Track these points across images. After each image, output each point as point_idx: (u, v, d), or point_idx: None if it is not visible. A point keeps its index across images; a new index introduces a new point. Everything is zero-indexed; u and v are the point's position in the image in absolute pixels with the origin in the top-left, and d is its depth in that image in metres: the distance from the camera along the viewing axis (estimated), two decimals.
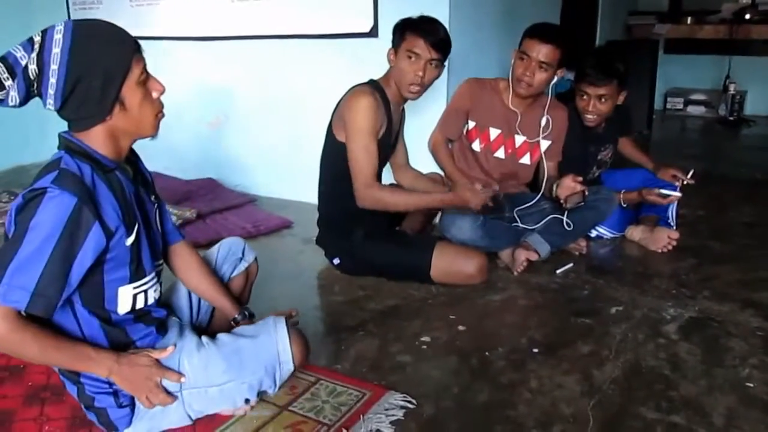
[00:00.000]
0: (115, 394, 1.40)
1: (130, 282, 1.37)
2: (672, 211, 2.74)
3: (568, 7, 4.18)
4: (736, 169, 4.17)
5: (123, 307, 1.37)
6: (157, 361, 1.39)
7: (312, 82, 3.20)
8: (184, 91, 3.35)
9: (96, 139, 1.29)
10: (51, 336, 1.25)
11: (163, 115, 1.36)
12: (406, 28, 2.20)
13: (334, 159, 2.28)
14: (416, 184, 2.53)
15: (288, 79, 3.29)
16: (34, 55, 1.21)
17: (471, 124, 2.61)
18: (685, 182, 2.63)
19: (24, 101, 1.24)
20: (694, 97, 6.12)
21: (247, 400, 1.48)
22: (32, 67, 1.21)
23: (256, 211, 3.20)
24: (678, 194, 2.59)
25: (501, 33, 3.25)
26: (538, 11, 3.57)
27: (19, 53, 1.22)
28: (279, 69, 3.31)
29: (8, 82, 1.21)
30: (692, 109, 6.12)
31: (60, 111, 1.26)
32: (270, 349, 1.47)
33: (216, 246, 1.78)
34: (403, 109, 2.41)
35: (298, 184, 3.21)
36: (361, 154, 2.18)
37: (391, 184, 2.55)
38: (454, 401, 1.61)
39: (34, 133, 4.31)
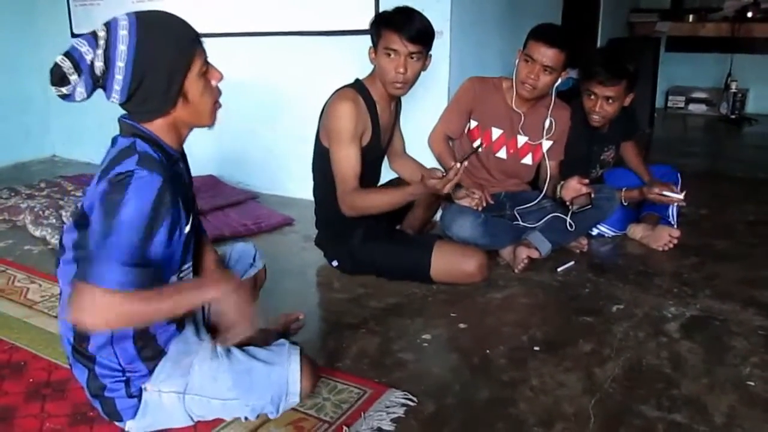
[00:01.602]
0: (127, 382, 1.39)
1: (178, 269, 1.39)
2: (673, 210, 2.74)
3: (570, 4, 4.17)
4: (738, 168, 4.17)
5: None
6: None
7: (313, 79, 3.19)
8: None
9: (160, 129, 1.32)
10: (147, 292, 1.24)
11: (220, 105, 1.38)
12: (380, 25, 2.15)
13: (322, 165, 2.26)
14: (416, 175, 2.51)
15: (289, 75, 3.28)
16: (100, 52, 1.23)
17: (473, 124, 2.60)
18: (675, 201, 2.60)
19: (90, 95, 1.27)
20: (696, 95, 6.11)
21: (245, 418, 1.48)
22: (98, 64, 1.24)
23: (257, 208, 3.19)
24: (679, 196, 2.58)
25: (503, 30, 3.24)
26: (540, 8, 3.57)
27: (84, 48, 1.23)
28: (280, 66, 3.31)
29: (73, 77, 1.24)
30: (694, 108, 6.10)
31: (124, 104, 1.30)
32: (280, 379, 1.44)
33: (228, 249, 1.81)
34: (399, 102, 2.39)
35: (299, 181, 3.20)
36: (341, 162, 2.16)
37: (389, 181, 2.54)
38: (455, 399, 1.61)
39: (36, 130, 4.32)
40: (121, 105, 1.30)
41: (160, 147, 1.31)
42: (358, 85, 2.24)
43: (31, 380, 1.66)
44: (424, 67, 2.19)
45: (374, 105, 2.23)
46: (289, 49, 3.25)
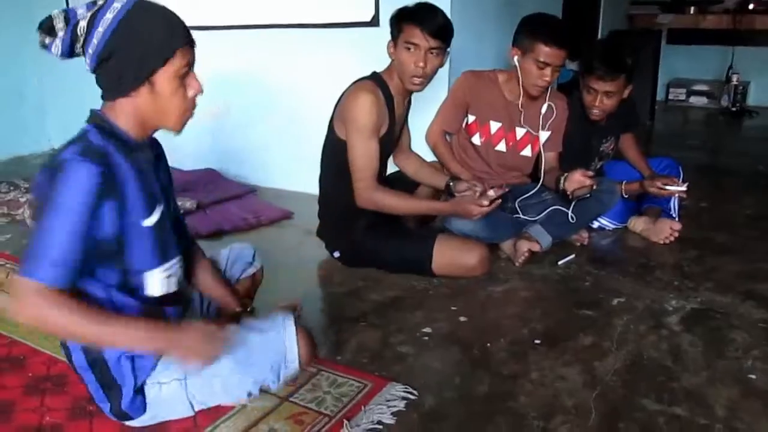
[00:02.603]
0: (135, 377, 1.39)
1: (159, 265, 1.38)
2: (674, 203, 2.73)
3: None
4: (739, 161, 4.16)
5: (153, 289, 1.38)
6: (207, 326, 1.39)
7: (313, 72, 3.18)
8: None
9: (122, 114, 1.30)
10: (102, 312, 1.25)
11: (191, 115, 1.37)
12: (402, 19, 2.15)
13: (334, 155, 2.26)
14: (420, 172, 2.52)
15: (289, 68, 3.27)
16: (89, 13, 1.25)
17: (471, 118, 2.59)
18: (675, 193, 2.60)
19: (67, 54, 1.28)
20: (697, 87, 6.10)
21: (249, 393, 1.48)
22: (82, 24, 1.25)
23: (256, 202, 3.19)
24: (679, 188, 2.57)
25: (504, 23, 3.21)
26: (540, 1, 3.54)
27: (81, 10, 1.26)
28: (280, 58, 3.29)
29: (60, 33, 1.26)
30: (694, 100, 6.09)
31: (94, 73, 1.29)
32: (278, 346, 1.45)
33: (227, 249, 1.80)
34: (410, 100, 2.39)
35: (298, 174, 3.20)
36: (361, 155, 2.16)
37: (394, 176, 2.54)
38: (456, 392, 1.61)
39: (33, 124, 4.31)
40: (93, 74, 1.29)
41: (115, 135, 1.29)
42: (376, 78, 2.23)
43: (30, 374, 1.66)
44: (441, 64, 2.20)
45: (392, 99, 2.24)
46: (290, 42, 3.23)
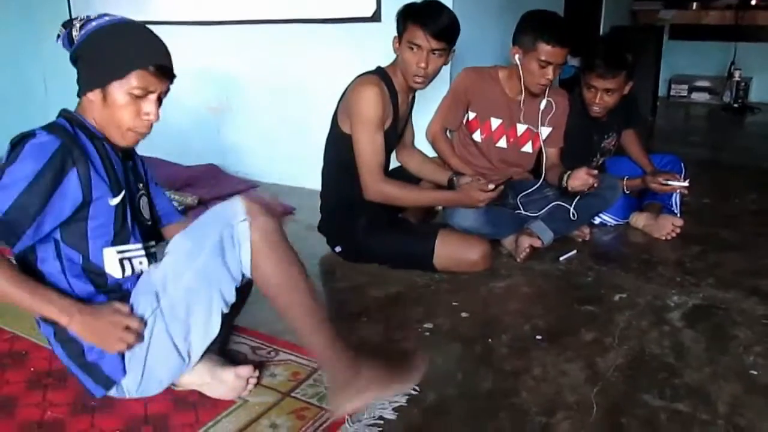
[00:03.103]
0: None
1: (114, 244, 1.43)
2: (676, 199, 2.73)
3: None
4: (741, 157, 4.15)
5: (113, 270, 1.43)
6: (120, 308, 1.39)
7: (314, 67, 3.17)
8: (186, 76, 3.31)
9: (88, 111, 1.43)
10: (16, 273, 1.29)
11: (141, 136, 1.45)
12: (407, 17, 2.14)
13: (338, 149, 2.26)
14: (423, 168, 2.51)
15: (290, 64, 3.26)
16: (79, 25, 1.42)
17: (471, 115, 2.59)
18: (677, 188, 2.59)
19: (68, 49, 1.45)
20: (699, 83, 6.08)
21: (225, 303, 1.41)
22: (75, 33, 1.42)
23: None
24: (681, 184, 2.56)
25: (506, 17, 3.20)
26: None
27: (79, 20, 1.44)
28: (281, 54, 3.29)
29: (68, 29, 1.44)
30: (696, 96, 6.08)
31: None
32: (223, 210, 1.39)
33: None
34: (413, 96, 2.38)
35: (300, 170, 3.20)
36: (368, 147, 2.16)
37: (398, 167, 2.53)
38: (458, 388, 1.61)
39: (35, 120, 4.26)
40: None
41: (83, 126, 1.41)
42: (380, 73, 2.23)
43: (32, 369, 1.66)
44: (445, 62, 2.19)
45: (396, 94, 2.23)
46: (290, 37, 3.22)
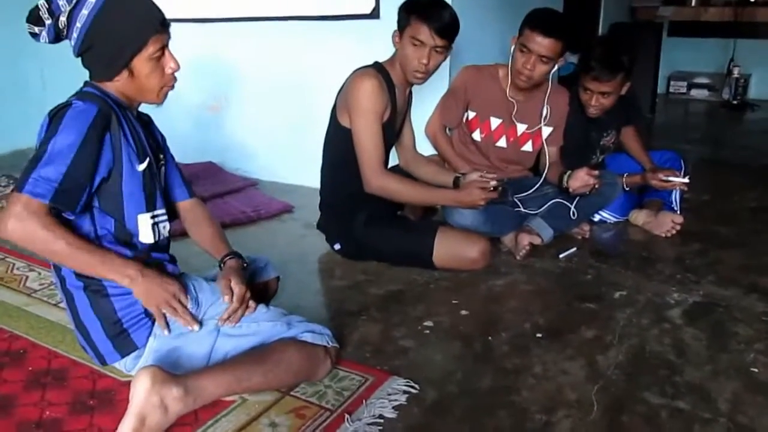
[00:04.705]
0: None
1: (147, 210, 1.48)
2: (676, 196, 2.73)
3: None
4: (740, 154, 4.15)
5: (145, 236, 1.48)
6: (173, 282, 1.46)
7: (313, 65, 3.16)
8: (185, 74, 3.31)
9: (110, 88, 1.45)
10: (78, 237, 1.35)
11: (171, 88, 1.50)
12: (411, 13, 2.13)
13: (338, 144, 2.25)
14: (426, 172, 2.48)
15: (289, 61, 3.25)
16: (68, 8, 1.37)
17: (471, 114, 2.58)
18: (677, 185, 2.59)
19: (52, 42, 1.42)
20: (698, 80, 6.09)
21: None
22: (62, 19, 1.38)
23: (257, 195, 3.18)
24: (680, 181, 2.56)
25: (507, 15, 3.20)
26: None
27: (62, 1, 1.39)
28: (280, 51, 3.28)
29: (48, 22, 1.40)
30: (696, 93, 6.08)
31: (80, 58, 1.44)
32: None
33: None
34: (410, 92, 2.37)
35: (299, 167, 3.19)
36: (368, 139, 2.15)
37: (395, 166, 2.52)
38: (458, 386, 1.60)
39: (33, 117, 4.27)
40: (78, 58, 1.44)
41: (107, 95, 1.43)
42: (378, 68, 2.22)
43: (30, 369, 1.65)
44: (444, 59, 2.19)
45: (393, 88, 2.23)
46: (289, 35, 3.21)
